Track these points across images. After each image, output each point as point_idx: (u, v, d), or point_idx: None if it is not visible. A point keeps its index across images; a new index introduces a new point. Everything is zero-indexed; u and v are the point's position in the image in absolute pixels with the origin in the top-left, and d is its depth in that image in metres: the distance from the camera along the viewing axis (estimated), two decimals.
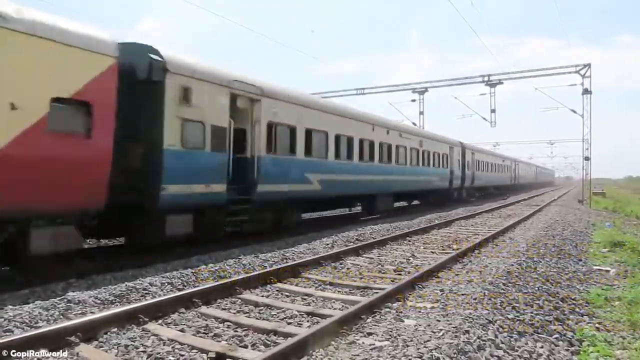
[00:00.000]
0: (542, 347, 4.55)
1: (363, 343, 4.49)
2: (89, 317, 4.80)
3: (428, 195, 23.89)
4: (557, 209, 24.25)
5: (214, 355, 4.17)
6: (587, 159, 27.56)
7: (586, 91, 25.75)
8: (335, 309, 5.76)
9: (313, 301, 6.15)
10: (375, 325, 5.04)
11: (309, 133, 12.79)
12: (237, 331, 4.88)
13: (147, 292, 6.14)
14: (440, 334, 4.57)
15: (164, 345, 4.43)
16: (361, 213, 18.35)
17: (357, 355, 4.17)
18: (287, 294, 6.51)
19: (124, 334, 4.65)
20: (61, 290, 6.21)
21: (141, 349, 4.31)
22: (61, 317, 5.04)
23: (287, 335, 4.68)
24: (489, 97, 29.22)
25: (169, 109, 8.47)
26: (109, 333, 4.62)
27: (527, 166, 64.53)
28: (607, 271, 8.52)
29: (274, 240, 10.87)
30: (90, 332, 4.52)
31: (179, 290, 6.30)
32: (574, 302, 6.30)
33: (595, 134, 43.90)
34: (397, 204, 21.35)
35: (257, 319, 5.32)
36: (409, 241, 11.63)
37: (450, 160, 25.83)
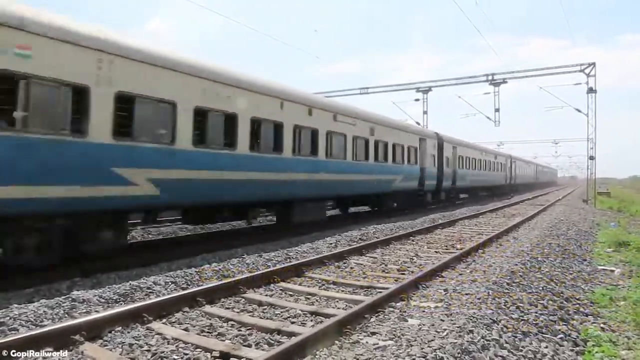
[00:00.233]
0: (546, 347, 4.53)
1: (367, 342, 4.48)
2: (94, 315, 4.82)
3: (385, 200, 18.55)
4: (562, 208, 24.16)
5: (217, 354, 4.18)
6: (591, 158, 27.45)
7: (591, 90, 25.65)
8: (338, 308, 5.76)
9: (317, 300, 6.15)
10: (379, 325, 5.04)
11: (126, 100, 7.70)
12: (240, 330, 4.89)
13: (151, 291, 6.16)
14: (444, 333, 4.56)
15: (168, 344, 4.44)
16: (366, 213, 17.07)
17: (361, 354, 4.16)
18: (291, 293, 6.52)
19: (128, 332, 4.67)
20: (66, 289, 6.25)
21: (145, 347, 4.32)
22: (66, 315, 5.07)
23: (290, 334, 4.69)
24: (493, 96, 29.20)
25: None
26: (113, 332, 4.64)
27: (526, 164, 58.45)
28: (612, 271, 8.48)
29: (277, 239, 10.89)
30: (94, 331, 4.54)
31: (183, 289, 6.31)
32: (579, 302, 6.28)
33: (599, 134, 43.72)
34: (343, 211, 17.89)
35: (260, 318, 5.33)
36: (413, 241, 11.61)
37: (421, 155, 20.96)
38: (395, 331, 4.75)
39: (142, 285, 6.25)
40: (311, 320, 5.24)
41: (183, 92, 8.68)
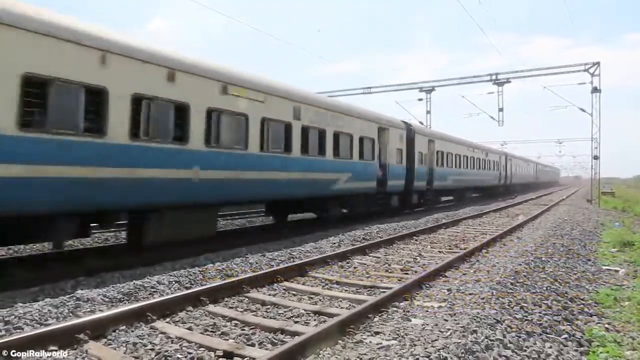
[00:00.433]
0: (550, 347, 4.51)
1: (370, 342, 4.48)
2: (98, 315, 4.84)
3: (328, 205, 14.31)
4: (566, 208, 24.08)
5: (221, 354, 4.19)
6: (596, 157, 27.32)
7: (595, 89, 25.53)
8: (342, 308, 5.76)
9: (320, 300, 6.15)
10: (382, 325, 5.03)
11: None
12: (244, 330, 4.90)
13: (155, 290, 6.18)
14: (448, 333, 4.55)
15: (171, 343, 4.45)
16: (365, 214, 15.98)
17: (364, 354, 4.16)
18: (294, 292, 6.52)
19: (132, 331, 4.68)
20: (70, 288, 6.27)
21: (149, 346, 4.33)
22: (70, 314, 5.08)
23: (294, 334, 4.69)
24: (497, 96, 29.09)
25: None
26: (117, 331, 4.65)
27: (525, 163, 53.25)
28: (617, 271, 8.44)
29: (280, 239, 10.90)
30: (99, 330, 4.56)
31: (187, 288, 6.32)
32: (583, 302, 6.25)
33: (604, 133, 43.34)
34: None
35: (264, 317, 5.34)
36: (416, 240, 11.60)
37: (382, 148, 16.87)
38: (398, 331, 4.75)
39: (146, 285, 6.27)
40: (314, 320, 5.25)
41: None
